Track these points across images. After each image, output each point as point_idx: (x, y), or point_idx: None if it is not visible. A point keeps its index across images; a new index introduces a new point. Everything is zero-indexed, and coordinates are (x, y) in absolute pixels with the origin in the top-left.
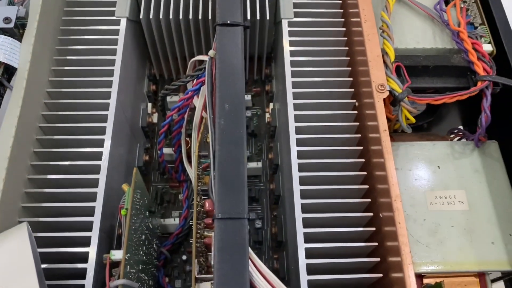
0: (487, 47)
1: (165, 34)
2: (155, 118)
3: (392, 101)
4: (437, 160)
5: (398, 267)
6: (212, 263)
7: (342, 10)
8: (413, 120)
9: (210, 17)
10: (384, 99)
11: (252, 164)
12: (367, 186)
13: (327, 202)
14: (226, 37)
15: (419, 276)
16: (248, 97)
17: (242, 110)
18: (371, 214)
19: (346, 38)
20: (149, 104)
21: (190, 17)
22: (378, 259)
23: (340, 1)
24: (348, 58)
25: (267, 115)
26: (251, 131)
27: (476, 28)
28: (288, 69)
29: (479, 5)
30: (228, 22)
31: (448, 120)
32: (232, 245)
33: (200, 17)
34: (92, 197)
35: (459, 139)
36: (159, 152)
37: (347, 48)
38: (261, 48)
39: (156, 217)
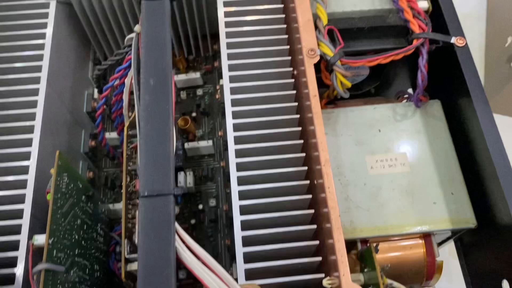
0: (423, 4)
1: (99, 14)
2: None
3: (326, 66)
4: (378, 124)
5: (330, 233)
6: (136, 241)
7: None
8: (349, 85)
9: None
10: (321, 66)
11: (203, 143)
12: (303, 154)
13: (264, 173)
14: (151, 11)
15: (364, 242)
16: (198, 74)
17: (168, 85)
18: (308, 181)
19: (282, 5)
20: (96, 90)
21: None
22: (315, 226)
23: None
24: (285, 25)
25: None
26: (203, 109)
27: None
28: (223, 42)
29: None
30: None
31: (396, 84)
32: (157, 222)
33: None
34: (23, 185)
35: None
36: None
37: (283, 15)
38: (202, 24)
39: (100, 201)
